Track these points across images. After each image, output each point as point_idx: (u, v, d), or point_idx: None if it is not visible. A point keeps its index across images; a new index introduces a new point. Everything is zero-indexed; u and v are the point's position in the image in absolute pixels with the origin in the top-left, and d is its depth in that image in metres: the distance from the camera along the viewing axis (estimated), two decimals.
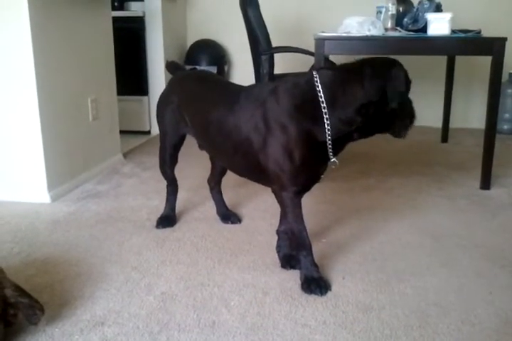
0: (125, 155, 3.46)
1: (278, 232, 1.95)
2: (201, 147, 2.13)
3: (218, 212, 2.37)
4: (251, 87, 1.87)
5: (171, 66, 2.33)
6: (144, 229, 2.26)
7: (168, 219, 2.30)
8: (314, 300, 1.70)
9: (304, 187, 1.75)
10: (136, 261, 1.96)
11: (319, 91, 1.61)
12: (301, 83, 1.68)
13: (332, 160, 1.71)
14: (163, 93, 2.19)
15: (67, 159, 2.77)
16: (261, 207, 2.52)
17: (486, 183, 2.78)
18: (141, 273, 1.86)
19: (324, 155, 1.69)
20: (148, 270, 1.89)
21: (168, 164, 2.25)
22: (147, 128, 4.13)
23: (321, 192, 2.65)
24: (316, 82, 1.63)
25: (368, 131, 1.68)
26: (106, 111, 3.17)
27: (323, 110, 1.62)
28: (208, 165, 2.38)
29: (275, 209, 2.42)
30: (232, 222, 2.32)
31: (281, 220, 1.95)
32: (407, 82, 1.64)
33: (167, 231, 2.24)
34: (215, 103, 1.87)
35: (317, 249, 2.01)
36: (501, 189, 2.79)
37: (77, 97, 2.87)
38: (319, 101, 1.62)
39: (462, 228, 2.28)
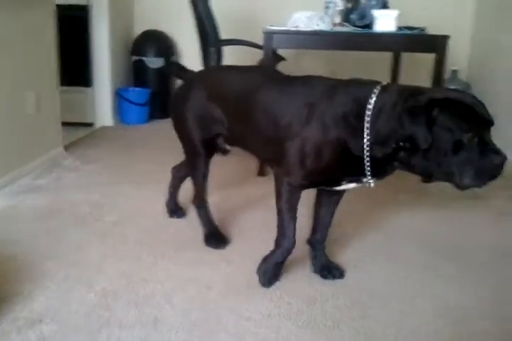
0: (66, 148, 3.34)
1: (310, 242, 1.87)
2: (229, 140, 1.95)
3: (167, 205, 2.33)
4: (310, 77, 1.74)
5: (175, 68, 2.24)
6: (85, 224, 2.19)
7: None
8: (259, 293, 1.69)
9: (311, 186, 1.69)
10: (77, 257, 1.90)
11: (368, 110, 1.51)
12: (358, 93, 1.56)
13: (368, 180, 1.59)
14: (181, 91, 2.03)
15: (2, 153, 2.65)
16: (210, 202, 2.48)
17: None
18: (82, 269, 1.81)
19: (355, 169, 1.58)
20: (89, 266, 1.84)
21: (203, 171, 2.01)
22: (90, 120, 4.01)
23: None
24: (372, 98, 1.51)
25: (410, 167, 1.52)
26: (47, 103, 3.05)
27: (365, 130, 1.51)
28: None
29: (224, 205, 2.41)
30: (178, 217, 2.29)
31: (314, 229, 1.86)
32: (463, 127, 1.40)
33: (109, 225, 2.18)
34: (264, 87, 1.76)
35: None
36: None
37: (16, 89, 2.74)
38: (365, 118, 1.51)
39: (408, 221, 2.33)
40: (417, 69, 4.08)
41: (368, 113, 1.51)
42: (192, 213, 2.34)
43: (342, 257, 1.95)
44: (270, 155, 1.78)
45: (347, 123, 1.54)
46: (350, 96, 1.57)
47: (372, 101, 1.51)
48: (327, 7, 3.10)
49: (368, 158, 1.53)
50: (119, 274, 1.78)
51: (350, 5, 3.16)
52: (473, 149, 1.41)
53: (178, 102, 2.00)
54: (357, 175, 1.60)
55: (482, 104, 1.45)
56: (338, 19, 3.09)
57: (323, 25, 2.89)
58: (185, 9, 3.38)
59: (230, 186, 2.71)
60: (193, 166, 2.03)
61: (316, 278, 1.79)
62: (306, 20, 2.91)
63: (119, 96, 4.10)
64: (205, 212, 2.10)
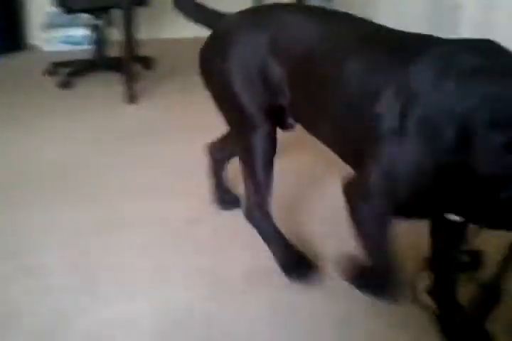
0: None
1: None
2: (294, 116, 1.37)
3: (215, 195, 1.81)
4: (440, 41, 1.09)
5: (190, 8, 1.52)
6: None
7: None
8: None
9: (406, 216, 1.12)
10: None
11: None
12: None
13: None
14: (220, 40, 1.37)
15: None
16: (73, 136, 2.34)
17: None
18: None
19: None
20: None
21: (264, 155, 1.37)
22: None
23: None
24: None
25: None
26: None
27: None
28: None
29: (88, 137, 2.24)
30: (234, 205, 1.73)
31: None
32: None
33: None
34: (358, 49, 1.16)
35: None
36: None
37: None
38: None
39: None
40: None
41: None
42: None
43: None
44: (346, 152, 1.23)
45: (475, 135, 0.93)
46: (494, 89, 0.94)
47: None
48: None
49: None
50: None
51: None
52: None
53: (216, 55, 1.36)
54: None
55: None
56: None
57: None
58: None
59: (95, 115, 2.56)
60: (248, 147, 1.37)
61: None
62: None
63: None
64: (269, 225, 1.47)
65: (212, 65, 1.37)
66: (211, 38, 1.40)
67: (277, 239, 1.46)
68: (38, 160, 2.13)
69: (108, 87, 2.91)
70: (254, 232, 1.54)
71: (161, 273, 1.46)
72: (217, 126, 1.49)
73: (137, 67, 3.01)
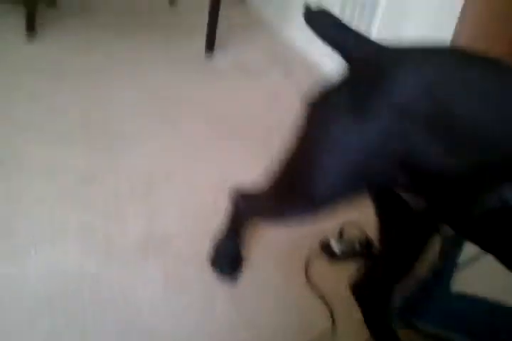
0: None
1: None
2: None
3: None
4: None
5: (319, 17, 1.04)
6: None
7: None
8: None
9: None
10: None
11: None
12: None
13: None
14: (368, 75, 0.90)
15: None
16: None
17: (210, 48, 2.78)
18: None
19: None
20: None
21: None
22: None
23: None
24: None
25: None
26: None
27: None
28: None
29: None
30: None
31: None
32: None
33: None
34: None
35: None
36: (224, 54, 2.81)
37: None
38: None
39: (184, 89, 2.32)
40: None
41: None
42: None
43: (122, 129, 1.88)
44: None
45: None
46: None
47: None
48: None
49: None
50: None
51: None
52: None
53: (349, 105, 0.89)
54: None
55: None
56: None
57: None
58: None
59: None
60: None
61: None
62: None
63: None
64: (241, 226, 1.43)
65: (338, 117, 0.91)
66: (349, 74, 0.94)
67: (234, 238, 1.44)
68: None
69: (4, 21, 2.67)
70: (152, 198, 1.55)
71: (53, 231, 1.43)
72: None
73: (40, 5, 2.78)
